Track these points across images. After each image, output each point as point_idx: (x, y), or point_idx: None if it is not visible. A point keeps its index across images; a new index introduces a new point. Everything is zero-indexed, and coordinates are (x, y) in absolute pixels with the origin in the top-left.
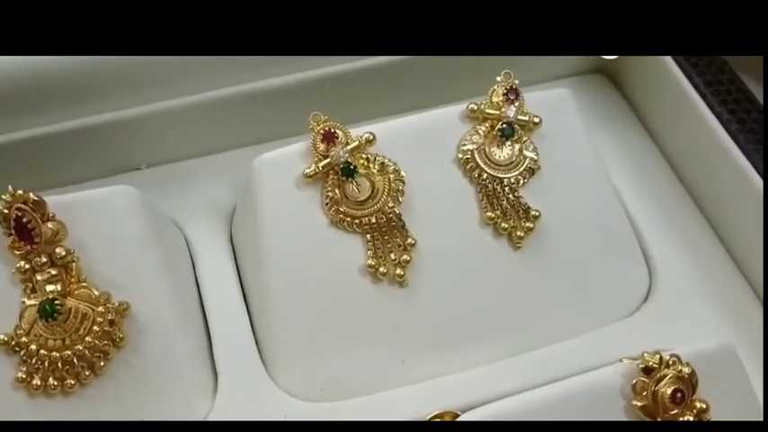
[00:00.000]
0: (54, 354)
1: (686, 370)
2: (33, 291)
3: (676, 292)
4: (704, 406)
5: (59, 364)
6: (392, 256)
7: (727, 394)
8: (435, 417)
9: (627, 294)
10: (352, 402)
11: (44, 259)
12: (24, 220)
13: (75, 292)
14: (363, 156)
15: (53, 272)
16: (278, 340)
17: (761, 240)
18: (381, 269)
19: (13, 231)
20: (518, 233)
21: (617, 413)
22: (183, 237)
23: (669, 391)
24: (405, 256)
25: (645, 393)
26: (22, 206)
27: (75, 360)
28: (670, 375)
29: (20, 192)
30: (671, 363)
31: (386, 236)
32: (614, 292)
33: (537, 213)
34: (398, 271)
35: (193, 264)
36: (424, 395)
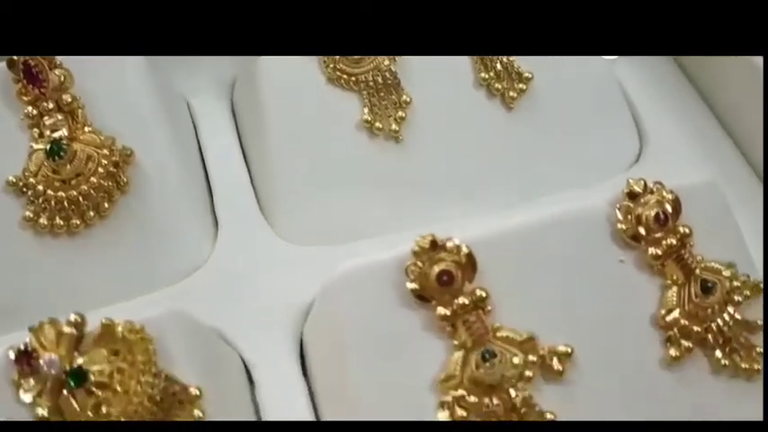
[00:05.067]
0: (60, 194)
1: (669, 196)
2: (41, 136)
3: (666, 155)
4: (687, 230)
5: (65, 204)
6: (388, 112)
7: (711, 226)
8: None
9: (617, 155)
10: (345, 247)
11: (51, 105)
12: (32, 64)
13: (81, 137)
14: None
15: (60, 116)
16: (276, 191)
17: (755, 113)
18: (377, 124)
19: (21, 75)
20: (510, 94)
21: (603, 238)
22: (185, 101)
23: (652, 213)
24: (400, 113)
25: (629, 217)
26: None
27: (80, 200)
28: (654, 200)
29: None
30: (655, 189)
31: (381, 92)
32: (604, 152)
33: (530, 75)
34: (394, 126)
35: (195, 125)
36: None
